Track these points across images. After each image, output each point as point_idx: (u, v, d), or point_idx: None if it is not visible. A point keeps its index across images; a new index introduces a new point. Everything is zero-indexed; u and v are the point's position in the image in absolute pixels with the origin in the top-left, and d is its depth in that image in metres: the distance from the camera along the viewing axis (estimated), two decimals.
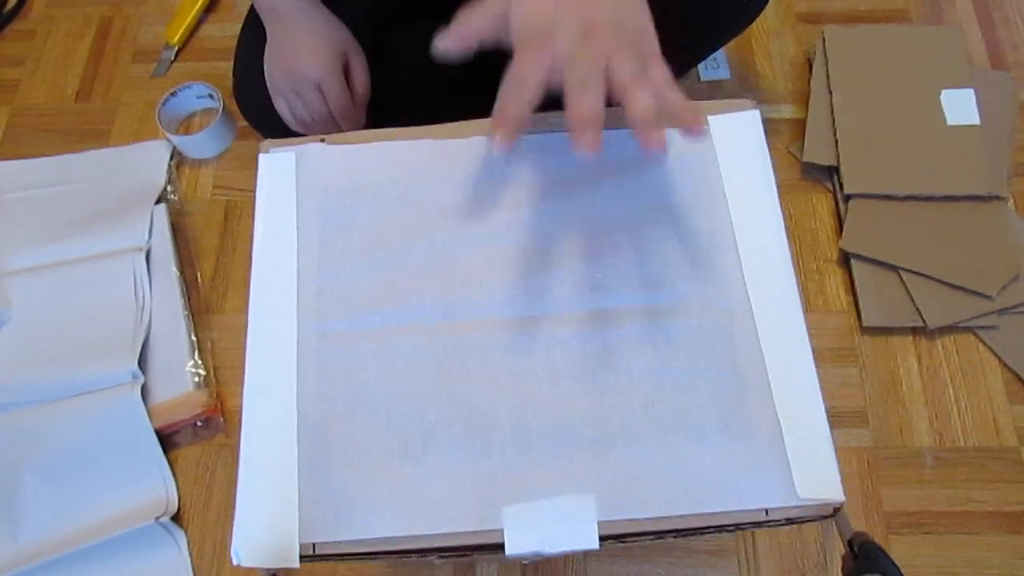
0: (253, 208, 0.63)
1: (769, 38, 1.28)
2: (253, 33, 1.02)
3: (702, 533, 0.53)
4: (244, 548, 0.51)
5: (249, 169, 1.19)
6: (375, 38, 1.03)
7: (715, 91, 1.23)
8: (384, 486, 0.53)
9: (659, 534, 0.52)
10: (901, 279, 1.05)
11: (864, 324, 1.04)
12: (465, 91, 1.08)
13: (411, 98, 1.03)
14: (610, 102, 0.66)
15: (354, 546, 0.52)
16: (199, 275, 1.12)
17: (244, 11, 1.04)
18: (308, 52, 0.88)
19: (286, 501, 0.53)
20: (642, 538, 0.52)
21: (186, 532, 0.96)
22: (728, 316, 0.58)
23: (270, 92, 0.94)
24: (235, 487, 0.53)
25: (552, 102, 0.68)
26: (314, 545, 0.52)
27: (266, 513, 0.52)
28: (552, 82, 0.53)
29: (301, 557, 0.51)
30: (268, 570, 0.51)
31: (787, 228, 0.60)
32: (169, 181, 1.17)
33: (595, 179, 0.63)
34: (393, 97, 1.02)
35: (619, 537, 0.52)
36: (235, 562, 0.51)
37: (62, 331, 1.03)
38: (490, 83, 1.14)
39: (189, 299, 1.09)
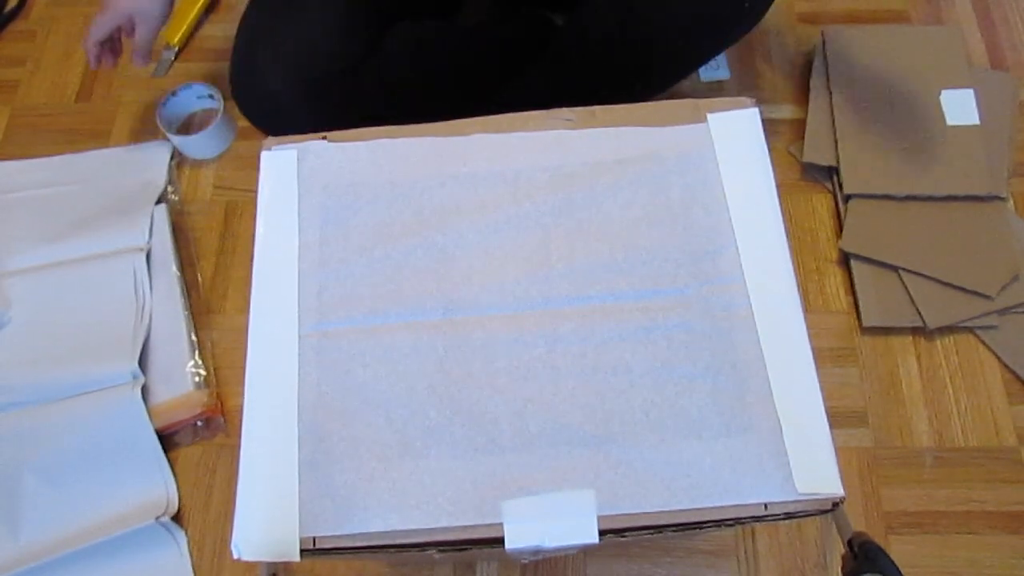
0: (254, 207, 0.63)
1: (769, 38, 1.28)
2: (251, 29, 1.03)
3: (701, 527, 0.53)
4: (244, 542, 0.51)
5: (249, 169, 1.19)
6: (376, 37, 1.03)
7: (715, 91, 1.23)
8: (384, 482, 0.53)
9: (658, 528, 0.52)
10: (901, 279, 1.05)
11: (864, 324, 1.04)
12: (466, 89, 1.09)
13: (412, 96, 1.03)
14: (611, 100, 0.67)
15: (354, 540, 0.52)
16: (199, 275, 1.12)
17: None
18: None
19: (286, 495, 0.53)
20: (641, 532, 0.53)
21: (186, 532, 0.96)
22: (728, 316, 0.58)
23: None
24: (235, 486, 0.54)
25: (557, 100, 0.69)
26: (314, 539, 0.52)
27: (266, 507, 0.52)
28: None
29: (301, 551, 0.51)
30: (268, 566, 0.52)
31: (787, 228, 0.60)
32: (169, 181, 1.17)
33: (595, 177, 0.63)
34: (394, 95, 1.02)
35: (619, 532, 0.52)
36: (235, 556, 0.51)
37: (62, 331, 1.03)
38: (491, 81, 1.15)
39: (189, 299, 1.09)
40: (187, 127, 1.24)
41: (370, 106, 1.02)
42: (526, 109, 0.65)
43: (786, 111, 1.22)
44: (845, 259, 1.09)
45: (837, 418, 1.00)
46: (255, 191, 0.63)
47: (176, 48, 1.31)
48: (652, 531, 0.53)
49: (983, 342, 1.04)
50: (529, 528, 0.52)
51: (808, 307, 1.07)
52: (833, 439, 0.54)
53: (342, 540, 0.52)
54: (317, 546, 0.52)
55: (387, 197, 0.63)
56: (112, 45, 1.07)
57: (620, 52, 0.96)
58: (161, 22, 1.05)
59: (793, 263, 0.59)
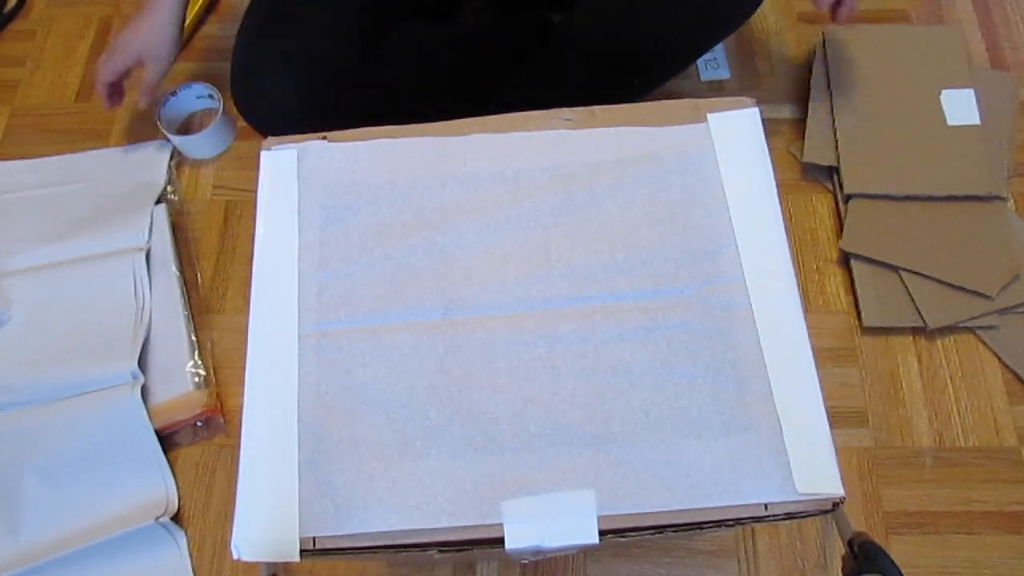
0: (254, 207, 0.63)
1: (769, 38, 1.28)
2: (251, 30, 1.03)
3: (701, 528, 0.53)
4: (244, 542, 0.51)
5: (249, 169, 1.19)
6: (375, 37, 1.03)
7: (715, 91, 1.23)
8: (384, 482, 0.53)
9: (659, 529, 0.52)
10: (901, 279, 1.05)
11: (864, 324, 1.04)
12: (466, 89, 1.09)
13: (412, 96, 1.03)
14: (610, 97, 0.67)
15: (354, 540, 0.52)
16: (199, 275, 1.12)
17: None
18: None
19: (286, 496, 0.53)
20: (642, 533, 0.52)
21: (186, 532, 0.96)
22: (728, 316, 0.58)
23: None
24: (235, 486, 0.54)
25: (557, 100, 0.69)
26: (314, 539, 0.52)
27: (266, 508, 0.52)
28: None
29: (301, 551, 0.51)
30: (268, 566, 0.51)
31: (787, 228, 0.60)
32: (169, 181, 1.17)
33: (595, 177, 0.63)
34: (394, 95, 1.02)
35: (619, 532, 0.52)
36: (235, 556, 0.51)
37: (62, 331, 1.03)
38: (491, 81, 1.14)
39: (189, 299, 1.09)
40: (187, 127, 1.24)
41: (370, 106, 1.02)
42: (526, 109, 0.65)
43: (786, 111, 1.22)
44: (845, 259, 1.09)
45: (837, 418, 1.00)
46: (255, 191, 0.63)
47: None
48: (652, 531, 0.52)
49: (983, 342, 1.04)
50: (529, 528, 0.52)
51: (808, 307, 1.07)
52: (833, 439, 0.54)
53: (342, 540, 0.52)
54: (317, 546, 0.52)
55: (387, 197, 0.63)
56: (120, 85, 1.13)
57: (619, 49, 0.96)
58: (170, 64, 1.11)
59: (793, 263, 0.59)
